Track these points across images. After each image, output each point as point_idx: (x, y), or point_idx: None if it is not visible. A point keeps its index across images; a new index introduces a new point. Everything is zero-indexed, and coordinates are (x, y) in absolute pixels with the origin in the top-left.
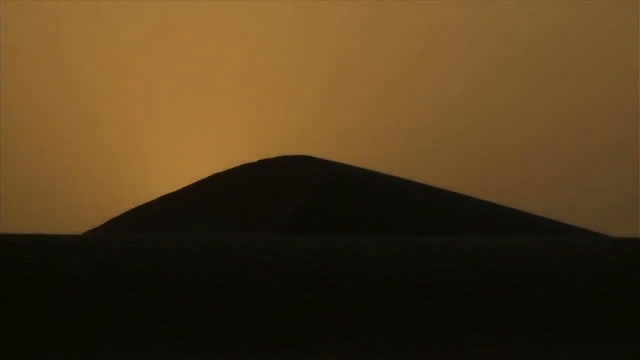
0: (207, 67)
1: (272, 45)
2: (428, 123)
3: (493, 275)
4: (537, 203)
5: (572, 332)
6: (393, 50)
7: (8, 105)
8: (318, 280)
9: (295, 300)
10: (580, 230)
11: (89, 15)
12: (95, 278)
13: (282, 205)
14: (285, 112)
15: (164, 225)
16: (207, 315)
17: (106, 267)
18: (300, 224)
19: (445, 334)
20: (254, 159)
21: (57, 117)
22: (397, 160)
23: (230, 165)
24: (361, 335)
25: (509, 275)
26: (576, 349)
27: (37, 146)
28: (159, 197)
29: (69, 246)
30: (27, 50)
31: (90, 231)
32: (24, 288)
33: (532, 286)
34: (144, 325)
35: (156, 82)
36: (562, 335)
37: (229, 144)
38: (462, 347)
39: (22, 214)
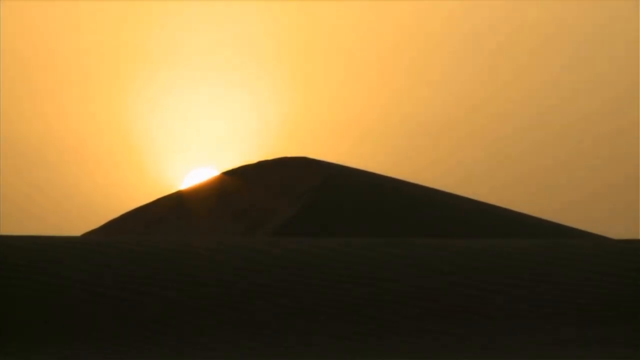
0: (212, 64)
1: (274, 42)
2: (428, 124)
3: (492, 277)
4: (536, 204)
5: (573, 333)
6: (394, 49)
7: (6, 105)
8: (316, 281)
9: (293, 302)
10: (580, 232)
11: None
12: (93, 279)
13: (280, 206)
14: (285, 112)
15: (162, 228)
16: (204, 316)
17: (103, 269)
18: (299, 226)
19: (443, 336)
20: (253, 160)
21: (55, 115)
22: (398, 161)
23: (228, 167)
24: (359, 337)
25: (509, 277)
26: (576, 350)
27: (35, 146)
28: (157, 199)
29: (67, 248)
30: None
31: (88, 233)
32: (21, 289)
33: (531, 288)
34: (140, 326)
35: (156, 83)
36: (563, 337)
37: (228, 144)
38: (461, 348)
39: (20, 215)
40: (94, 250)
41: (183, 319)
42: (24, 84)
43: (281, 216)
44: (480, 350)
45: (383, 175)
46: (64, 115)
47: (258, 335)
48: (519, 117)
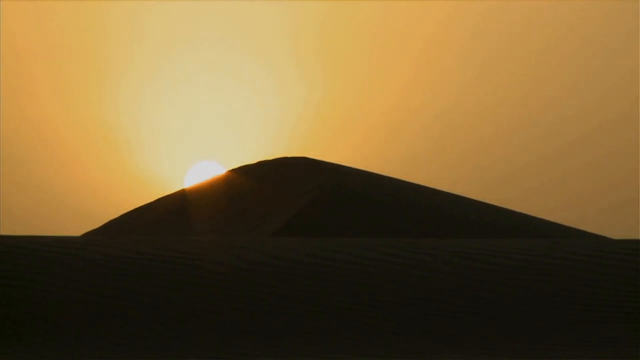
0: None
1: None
2: (428, 125)
3: (492, 277)
4: (536, 205)
5: (573, 333)
6: (402, 51)
7: (6, 105)
8: (316, 282)
9: (292, 302)
10: (580, 232)
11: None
12: (93, 279)
13: (280, 206)
14: (286, 112)
15: (163, 227)
16: (204, 316)
17: (103, 269)
18: (299, 226)
19: (443, 336)
20: (254, 160)
21: (53, 115)
22: (399, 162)
23: (230, 164)
24: (359, 337)
25: (508, 277)
26: (577, 350)
27: (33, 146)
28: (157, 199)
29: (67, 248)
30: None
31: (88, 233)
32: (21, 289)
33: (531, 288)
34: (140, 326)
35: (156, 78)
36: (563, 337)
37: (228, 145)
38: (461, 348)
39: (20, 215)
40: (94, 250)
41: (183, 319)
42: (21, 84)
43: (281, 216)
44: (480, 350)
45: (384, 175)
46: (62, 114)
47: (258, 336)
48: (518, 117)
